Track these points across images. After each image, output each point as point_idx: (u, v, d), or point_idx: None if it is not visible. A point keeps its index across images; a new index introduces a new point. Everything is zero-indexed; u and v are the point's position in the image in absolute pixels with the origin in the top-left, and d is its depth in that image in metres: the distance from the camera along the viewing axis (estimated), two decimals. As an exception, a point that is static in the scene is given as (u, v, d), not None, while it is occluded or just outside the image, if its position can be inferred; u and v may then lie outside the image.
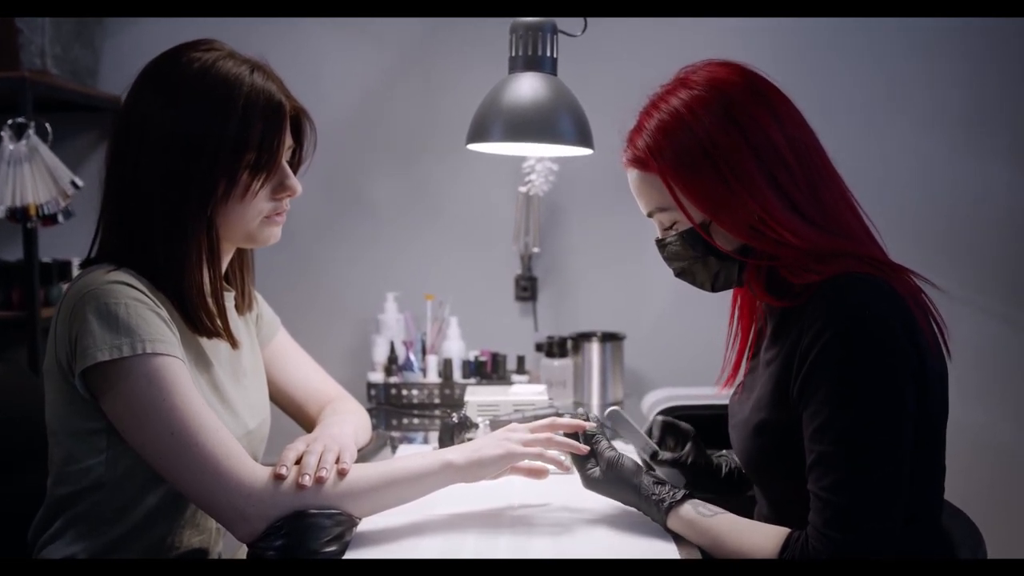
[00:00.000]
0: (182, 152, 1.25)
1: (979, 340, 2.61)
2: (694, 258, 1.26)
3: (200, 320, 1.32)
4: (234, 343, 1.38)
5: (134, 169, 1.28)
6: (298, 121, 1.38)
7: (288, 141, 1.34)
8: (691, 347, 2.60)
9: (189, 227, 1.28)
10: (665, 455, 1.46)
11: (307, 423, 1.63)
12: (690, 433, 1.49)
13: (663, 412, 2.21)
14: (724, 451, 1.49)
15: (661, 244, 1.29)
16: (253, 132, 1.27)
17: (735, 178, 1.18)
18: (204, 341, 1.35)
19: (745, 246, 1.21)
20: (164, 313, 1.26)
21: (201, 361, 1.34)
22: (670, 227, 1.27)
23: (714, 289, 1.29)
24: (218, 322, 1.34)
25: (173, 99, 1.27)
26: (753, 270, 1.23)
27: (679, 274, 1.30)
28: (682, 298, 2.63)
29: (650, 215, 1.28)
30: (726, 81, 1.22)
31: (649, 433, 1.51)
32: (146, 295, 1.24)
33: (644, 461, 1.45)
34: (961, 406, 2.57)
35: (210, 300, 1.33)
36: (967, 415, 2.59)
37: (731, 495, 1.46)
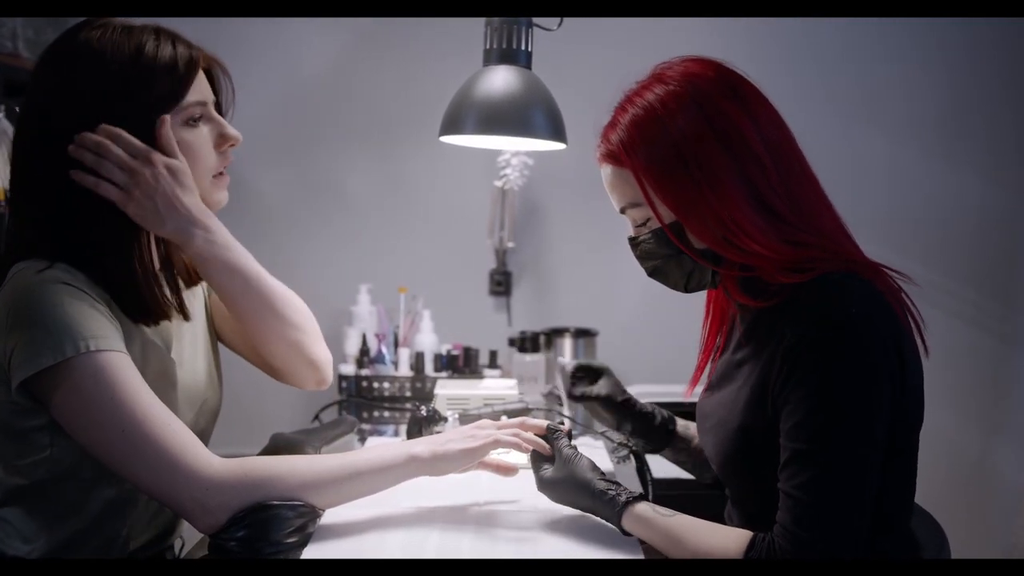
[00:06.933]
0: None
1: (949, 343, 2.63)
2: (667, 256, 1.24)
3: (141, 306, 1.27)
4: (186, 315, 1.34)
5: (43, 160, 1.24)
6: (211, 74, 1.34)
7: (208, 95, 1.31)
8: (666, 344, 2.59)
9: (106, 211, 1.24)
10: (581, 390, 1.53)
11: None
12: (604, 370, 1.53)
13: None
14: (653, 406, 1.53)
15: (634, 242, 1.28)
16: (159, 93, 1.24)
17: (704, 178, 1.17)
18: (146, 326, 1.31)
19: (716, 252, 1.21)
20: (104, 308, 1.21)
21: (147, 348, 1.30)
22: (643, 224, 1.26)
23: (687, 290, 1.27)
24: (164, 302, 1.30)
25: (72, 80, 1.23)
26: (727, 272, 1.22)
27: (651, 273, 1.28)
28: (658, 295, 2.59)
29: (623, 211, 1.27)
30: (701, 77, 1.20)
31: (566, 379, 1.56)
32: (83, 291, 1.20)
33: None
34: (931, 409, 2.61)
35: (152, 280, 1.28)
36: (937, 417, 2.60)
37: (660, 444, 1.50)
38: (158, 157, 1.24)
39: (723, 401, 1.27)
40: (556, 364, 1.58)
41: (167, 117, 1.25)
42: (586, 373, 1.55)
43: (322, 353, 1.51)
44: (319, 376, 1.51)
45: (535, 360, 2.35)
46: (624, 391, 1.52)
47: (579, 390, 1.53)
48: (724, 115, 1.18)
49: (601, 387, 1.52)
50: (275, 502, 1.18)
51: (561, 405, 1.63)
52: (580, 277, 2.67)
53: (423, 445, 1.30)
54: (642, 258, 1.28)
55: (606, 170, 1.26)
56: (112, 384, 1.16)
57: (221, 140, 1.32)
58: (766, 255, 1.16)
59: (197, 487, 1.16)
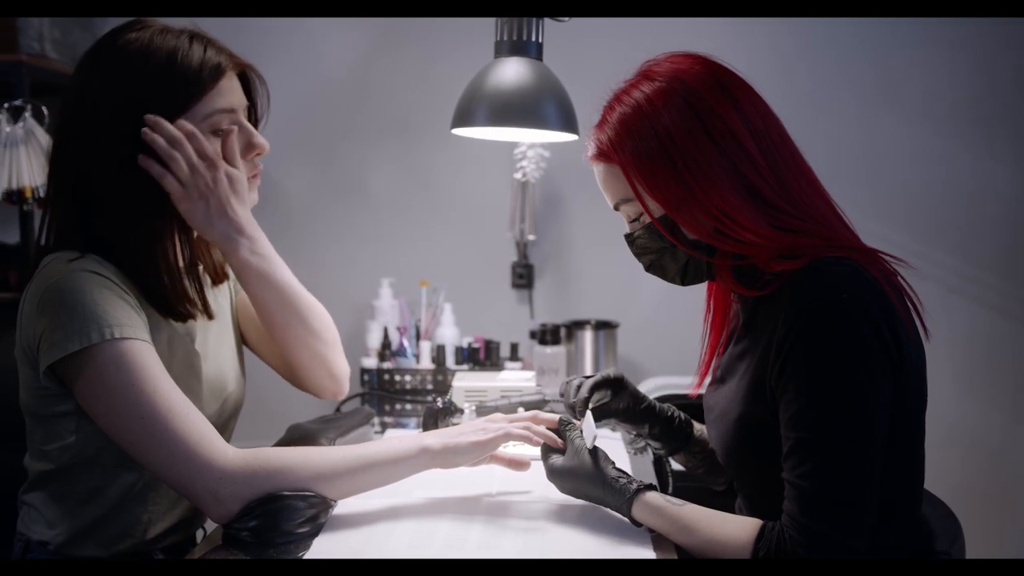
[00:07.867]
0: (132, 134, 1.25)
1: (971, 329, 2.60)
2: (661, 250, 1.25)
3: (169, 302, 1.30)
4: (211, 314, 1.37)
5: (84, 159, 1.27)
6: (246, 79, 1.36)
7: (241, 100, 1.34)
8: (687, 336, 2.55)
9: (146, 210, 1.27)
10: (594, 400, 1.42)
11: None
12: (619, 380, 1.43)
13: (657, 400, 2.22)
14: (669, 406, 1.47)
15: (629, 238, 1.28)
16: (180, 94, 1.26)
17: (692, 175, 1.17)
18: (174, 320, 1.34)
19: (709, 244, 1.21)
20: (132, 299, 1.25)
21: (174, 340, 1.33)
22: (636, 220, 1.26)
23: (684, 282, 1.28)
24: (188, 302, 1.33)
25: (115, 83, 1.26)
26: (721, 262, 1.22)
27: (649, 268, 1.29)
28: (678, 287, 2.62)
29: (616, 208, 1.28)
30: (688, 72, 1.21)
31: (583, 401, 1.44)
32: (112, 281, 1.23)
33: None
34: (951, 397, 2.58)
35: (185, 279, 1.32)
36: (957, 405, 2.58)
37: (679, 444, 1.45)
38: (222, 164, 1.30)
39: (726, 394, 1.26)
40: (568, 383, 1.48)
41: (234, 129, 1.31)
42: (603, 387, 1.45)
43: (341, 366, 1.57)
44: (336, 387, 1.57)
45: (556, 352, 2.35)
46: (642, 398, 1.45)
47: (598, 409, 1.43)
48: (711, 109, 1.18)
49: (619, 401, 1.44)
50: (287, 493, 1.20)
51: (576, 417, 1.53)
52: (602, 268, 2.67)
53: (435, 438, 1.30)
54: (638, 254, 1.28)
55: (598, 168, 1.27)
56: (133, 372, 1.19)
57: (248, 148, 1.34)
58: (759, 243, 1.16)
59: (211, 476, 1.18)
